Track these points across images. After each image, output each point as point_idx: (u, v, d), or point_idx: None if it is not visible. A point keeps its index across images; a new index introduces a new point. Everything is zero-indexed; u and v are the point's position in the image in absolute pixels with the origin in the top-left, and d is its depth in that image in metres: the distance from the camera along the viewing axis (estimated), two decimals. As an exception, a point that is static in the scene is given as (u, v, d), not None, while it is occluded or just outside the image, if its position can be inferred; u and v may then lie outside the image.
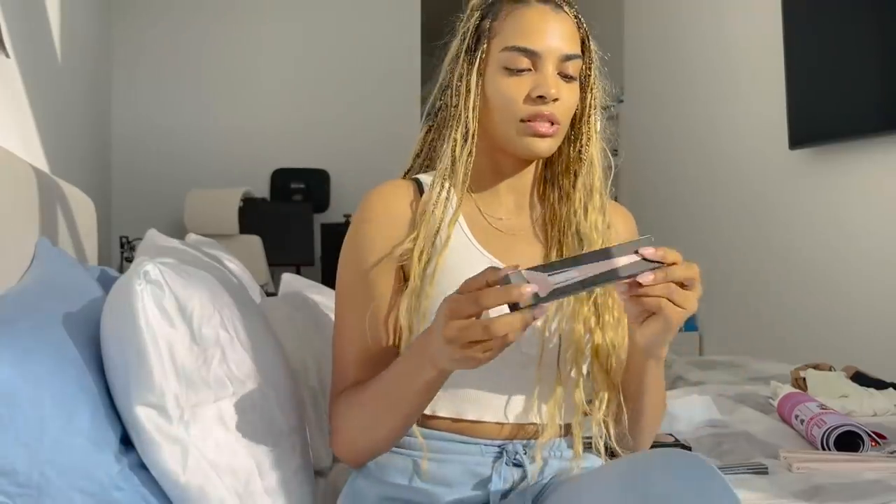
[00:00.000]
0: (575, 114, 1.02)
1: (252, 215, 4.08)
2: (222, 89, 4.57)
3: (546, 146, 0.96)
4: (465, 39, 0.99)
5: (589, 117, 1.02)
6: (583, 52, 1.00)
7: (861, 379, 1.91)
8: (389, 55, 4.71)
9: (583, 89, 1.01)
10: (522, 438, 0.98)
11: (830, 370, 1.97)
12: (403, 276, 0.98)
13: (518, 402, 0.97)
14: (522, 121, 0.95)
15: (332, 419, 0.98)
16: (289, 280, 1.90)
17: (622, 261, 0.77)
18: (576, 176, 1.02)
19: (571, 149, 1.03)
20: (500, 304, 0.74)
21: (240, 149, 4.54)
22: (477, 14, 0.99)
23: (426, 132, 1.07)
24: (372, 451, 0.96)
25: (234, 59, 4.59)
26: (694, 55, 3.85)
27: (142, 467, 0.88)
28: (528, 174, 1.04)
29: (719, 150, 3.64)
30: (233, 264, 1.83)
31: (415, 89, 4.74)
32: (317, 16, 4.69)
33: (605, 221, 1.02)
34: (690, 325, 3.86)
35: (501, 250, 1.00)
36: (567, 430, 1.01)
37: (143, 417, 0.86)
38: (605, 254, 0.77)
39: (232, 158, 4.51)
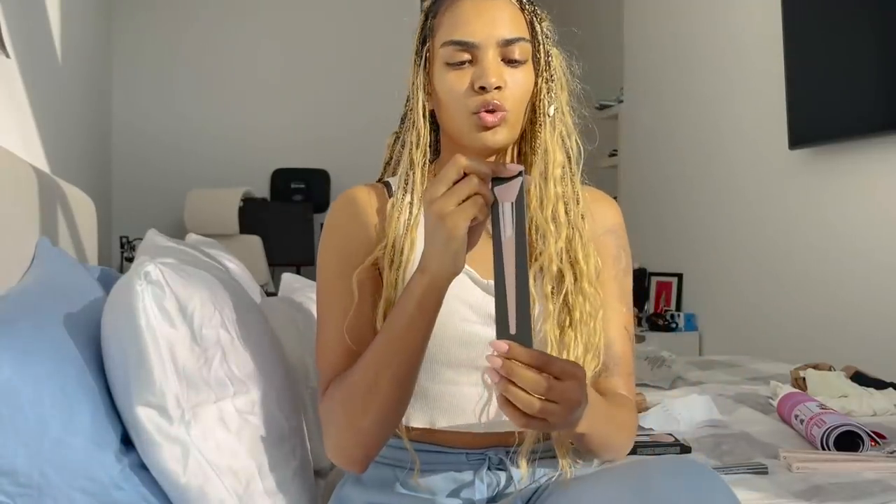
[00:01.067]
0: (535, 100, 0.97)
1: (252, 215, 4.08)
2: (222, 89, 4.57)
3: (499, 137, 0.92)
4: (414, 43, 0.98)
5: (540, 102, 0.96)
6: (533, 36, 0.95)
7: (861, 379, 1.91)
8: (389, 55, 4.71)
9: (536, 74, 0.96)
10: (504, 445, 0.97)
11: (830, 370, 1.97)
12: (380, 275, 0.96)
13: (491, 410, 0.96)
14: (474, 114, 0.91)
15: (322, 413, 0.94)
16: (289, 280, 1.90)
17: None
18: (530, 167, 0.97)
19: (528, 134, 0.98)
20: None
21: (240, 149, 4.54)
22: (422, 16, 0.98)
23: (393, 140, 1.06)
24: (361, 444, 0.89)
25: (234, 59, 4.59)
26: (694, 55, 3.85)
27: (142, 467, 0.88)
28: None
29: (719, 150, 3.64)
30: (233, 264, 1.83)
31: (415, 89, 4.74)
32: (317, 16, 4.69)
33: (573, 210, 0.97)
34: (690, 325, 3.86)
35: (468, 256, 0.97)
36: (548, 435, 0.99)
37: (144, 418, 0.86)
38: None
39: (232, 158, 4.51)
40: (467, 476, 0.96)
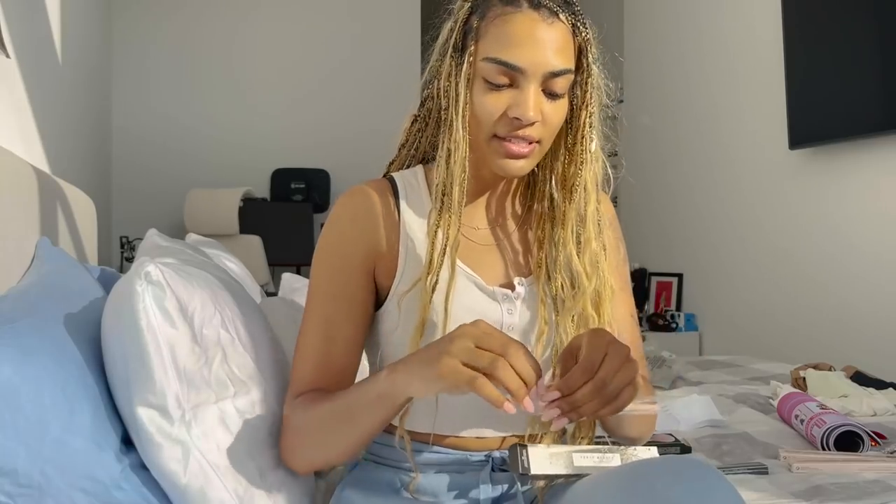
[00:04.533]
0: (569, 132, 0.94)
1: (252, 215, 4.08)
2: (223, 89, 4.57)
3: (520, 167, 0.89)
4: (453, 33, 0.91)
5: (583, 138, 0.93)
6: (578, 64, 0.91)
7: (861, 379, 1.91)
8: (389, 55, 4.71)
9: (577, 106, 0.93)
10: (507, 447, 0.97)
11: (830, 370, 1.97)
12: (375, 286, 0.96)
13: (497, 417, 0.95)
14: (497, 136, 0.88)
15: (285, 419, 0.94)
16: (289, 280, 1.90)
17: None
18: (568, 202, 0.94)
19: (567, 171, 0.96)
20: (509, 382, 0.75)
21: (240, 149, 4.54)
22: (466, 6, 0.91)
23: (412, 122, 1.01)
24: (308, 461, 0.93)
25: (234, 59, 4.59)
26: (694, 55, 3.85)
27: (143, 467, 0.88)
28: (511, 182, 1.00)
29: (719, 150, 3.64)
30: (233, 264, 1.83)
31: (415, 89, 4.74)
32: (317, 16, 4.68)
33: (599, 250, 0.96)
34: (690, 325, 3.86)
35: (475, 262, 0.96)
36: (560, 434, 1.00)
37: (145, 418, 0.86)
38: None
39: (232, 158, 4.51)
40: (471, 478, 0.95)
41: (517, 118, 0.86)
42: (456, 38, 0.90)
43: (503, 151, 0.88)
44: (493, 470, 0.96)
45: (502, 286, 0.96)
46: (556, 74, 0.86)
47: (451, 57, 0.90)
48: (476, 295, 0.94)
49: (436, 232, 0.91)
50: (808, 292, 3.02)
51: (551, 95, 0.88)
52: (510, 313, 0.95)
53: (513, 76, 0.86)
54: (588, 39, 0.91)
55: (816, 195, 2.99)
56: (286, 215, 4.28)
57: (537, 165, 0.97)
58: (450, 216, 0.90)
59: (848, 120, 2.69)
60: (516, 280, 0.96)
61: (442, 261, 0.90)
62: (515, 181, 1.00)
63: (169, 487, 0.87)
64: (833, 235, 2.89)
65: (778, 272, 3.22)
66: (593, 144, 0.94)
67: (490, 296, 0.95)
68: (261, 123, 4.59)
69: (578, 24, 0.89)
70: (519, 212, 1.02)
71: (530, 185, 1.02)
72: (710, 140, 3.72)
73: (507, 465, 0.94)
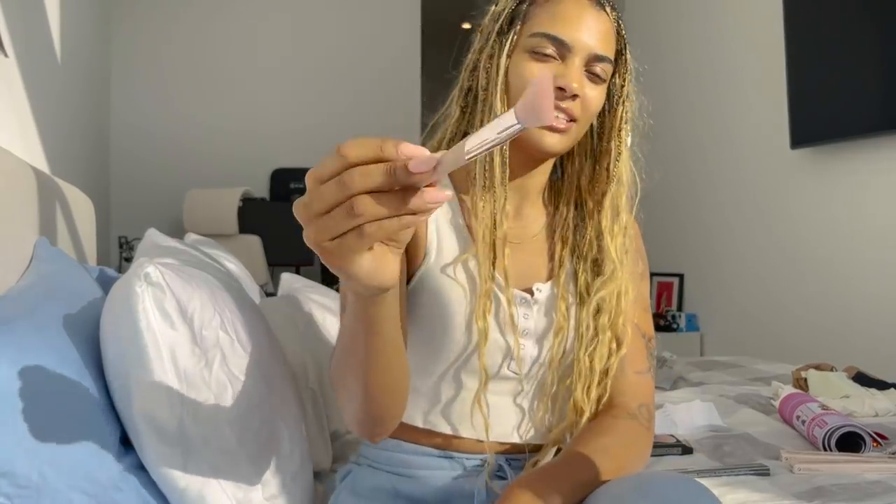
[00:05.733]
0: (604, 127, 0.96)
1: (252, 215, 4.07)
2: (222, 89, 4.56)
3: (557, 142, 0.90)
4: (498, 20, 0.92)
5: (619, 131, 0.96)
6: (617, 62, 0.94)
7: (862, 379, 1.90)
8: (389, 55, 4.71)
9: (615, 102, 0.96)
10: (504, 453, 0.97)
11: (832, 371, 1.96)
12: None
13: (498, 422, 0.95)
14: None
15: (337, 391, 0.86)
16: (289, 280, 1.90)
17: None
18: (603, 195, 0.96)
19: (599, 165, 0.98)
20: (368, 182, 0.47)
21: (240, 149, 4.54)
22: None
23: (459, 115, 0.97)
24: (361, 413, 0.78)
25: (233, 59, 4.58)
26: (694, 55, 3.85)
27: (141, 468, 0.88)
28: (539, 176, 0.98)
29: (720, 150, 3.63)
30: (232, 264, 1.82)
31: (415, 89, 4.74)
32: (317, 15, 4.68)
33: (627, 245, 0.98)
34: (692, 325, 3.85)
35: (498, 261, 0.94)
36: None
37: (145, 420, 0.85)
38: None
39: (232, 158, 4.51)
40: (466, 482, 0.95)
41: (561, 88, 0.88)
42: (502, 23, 0.92)
43: None
44: (488, 476, 0.95)
45: (522, 290, 0.95)
46: (599, 59, 0.90)
47: (495, 41, 0.92)
48: (495, 293, 0.93)
49: (482, 207, 0.91)
50: (810, 293, 3.02)
51: (592, 77, 0.90)
52: (526, 318, 0.95)
53: (559, 51, 0.89)
54: (626, 43, 0.95)
55: (818, 195, 2.98)
56: (286, 215, 4.22)
57: (563, 170, 0.99)
58: (494, 191, 0.91)
59: (849, 120, 2.69)
60: (535, 286, 0.96)
61: (494, 236, 0.90)
62: (543, 175, 0.99)
63: (168, 490, 0.87)
64: (834, 235, 2.89)
65: (779, 272, 3.21)
66: (629, 140, 0.97)
67: (509, 297, 0.94)
68: (260, 123, 4.58)
69: (621, 23, 0.94)
70: (544, 217, 1.02)
71: (555, 183, 1.03)
72: (711, 140, 3.72)
73: None
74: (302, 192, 3.85)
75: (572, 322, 0.95)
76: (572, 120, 0.89)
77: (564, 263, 0.97)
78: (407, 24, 4.79)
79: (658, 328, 3.86)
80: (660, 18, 4.18)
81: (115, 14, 4.33)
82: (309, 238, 0.51)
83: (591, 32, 0.89)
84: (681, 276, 4.01)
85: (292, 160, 4.57)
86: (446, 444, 0.96)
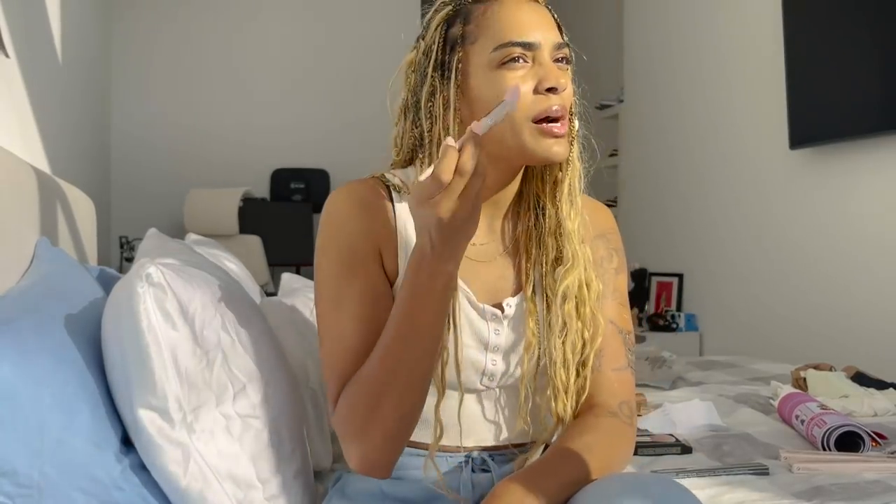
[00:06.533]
0: None
1: (252, 215, 4.08)
2: (222, 89, 4.57)
3: (563, 149, 0.88)
4: (430, 53, 0.90)
5: (571, 116, 0.93)
6: None
7: (861, 379, 1.91)
8: (389, 55, 4.71)
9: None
10: (486, 448, 0.97)
11: (831, 370, 1.96)
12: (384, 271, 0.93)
13: (476, 429, 0.96)
14: (535, 121, 0.86)
15: (337, 432, 0.88)
16: (289, 280, 1.90)
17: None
18: (559, 182, 0.94)
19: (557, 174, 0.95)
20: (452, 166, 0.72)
21: (240, 149, 4.54)
22: (440, 25, 0.91)
23: (411, 124, 0.97)
24: (383, 440, 0.84)
25: (233, 58, 4.59)
26: (694, 55, 3.85)
27: (142, 468, 0.88)
28: (510, 190, 0.96)
29: (719, 150, 3.63)
30: (233, 264, 1.83)
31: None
32: (317, 15, 4.68)
33: (582, 233, 0.95)
34: (691, 325, 3.86)
35: (470, 277, 0.94)
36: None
37: (146, 420, 0.86)
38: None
39: (232, 158, 4.51)
40: (452, 479, 0.95)
41: (551, 88, 0.86)
42: (437, 55, 0.90)
43: (548, 133, 0.86)
44: (472, 471, 0.96)
45: (492, 305, 0.95)
46: (560, 46, 0.89)
47: (433, 76, 0.90)
48: (467, 310, 0.93)
49: None
50: (809, 292, 3.02)
51: (562, 66, 0.89)
52: (497, 334, 0.94)
53: (530, 54, 0.87)
54: (561, 27, 0.93)
55: (817, 195, 2.98)
56: (286, 215, 4.28)
57: (524, 180, 0.97)
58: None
59: (848, 120, 2.69)
60: (505, 302, 0.95)
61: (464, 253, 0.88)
62: (515, 188, 0.97)
63: (169, 489, 0.87)
64: (833, 235, 2.89)
65: (778, 272, 3.22)
66: (576, 121, 0.94)
67: (480, 313, 0.94)
68: (260, 123, 4.58)
69: (549, 6, 0.93)
70: (510, 231, 0.99)
71: (523, 192, 1.00)
72: (710, 140, 3.72)
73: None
74: (301, 191, 3.83)
75: (542, 330, 0.95)
76: (565, 117, 0.88)
77: (531, 275, 0.97)
78: (407, 26, 4.79)
79: (657, 328, 3.86)
80: (659, 19, 4.18)
81: (115, 14, 4.33)
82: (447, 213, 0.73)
83: (543, 25, 0.89)
84: (680, 276, 4.01)
85: (292, 160, 4.57)
86: (421, 447, 0.95)
